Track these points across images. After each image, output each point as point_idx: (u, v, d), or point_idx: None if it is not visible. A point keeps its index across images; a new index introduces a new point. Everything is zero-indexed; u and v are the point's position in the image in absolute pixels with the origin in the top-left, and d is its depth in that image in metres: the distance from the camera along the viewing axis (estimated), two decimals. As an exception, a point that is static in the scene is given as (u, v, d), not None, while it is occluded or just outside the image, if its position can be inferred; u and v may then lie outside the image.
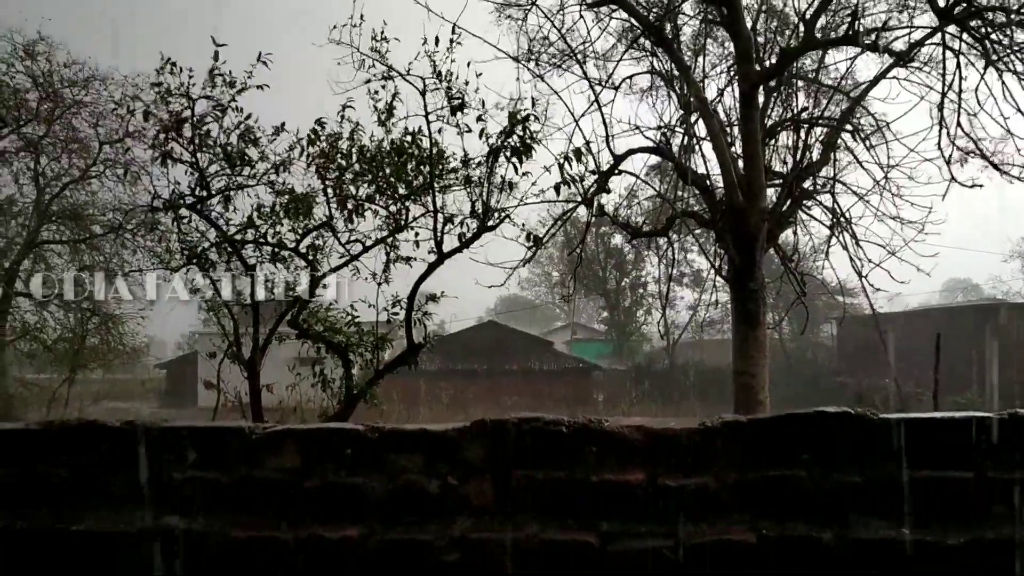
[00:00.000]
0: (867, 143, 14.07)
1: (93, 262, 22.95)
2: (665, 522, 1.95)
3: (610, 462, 2.04)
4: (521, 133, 8.98)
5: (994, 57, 11.17)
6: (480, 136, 9.25)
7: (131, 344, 23.51)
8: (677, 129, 14.95)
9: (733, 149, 13.78)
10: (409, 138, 9.55)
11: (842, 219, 14.48)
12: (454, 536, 1.98)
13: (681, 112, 14.83)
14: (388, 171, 9.76)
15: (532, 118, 9.04)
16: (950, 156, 11.96)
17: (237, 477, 2.14)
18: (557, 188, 9.74)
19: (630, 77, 14.94)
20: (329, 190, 9.93)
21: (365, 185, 9.99)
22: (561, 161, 10.43)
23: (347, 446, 2.14)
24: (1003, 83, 11.29)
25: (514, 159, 9.19)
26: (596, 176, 12.51)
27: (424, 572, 1.96)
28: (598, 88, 13.60)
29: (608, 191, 13.54)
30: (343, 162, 9.81)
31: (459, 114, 9.00)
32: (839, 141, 14.35)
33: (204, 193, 9.99)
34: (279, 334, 10.71)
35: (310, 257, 10.26)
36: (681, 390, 33.77)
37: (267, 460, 2.15)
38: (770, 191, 14.02)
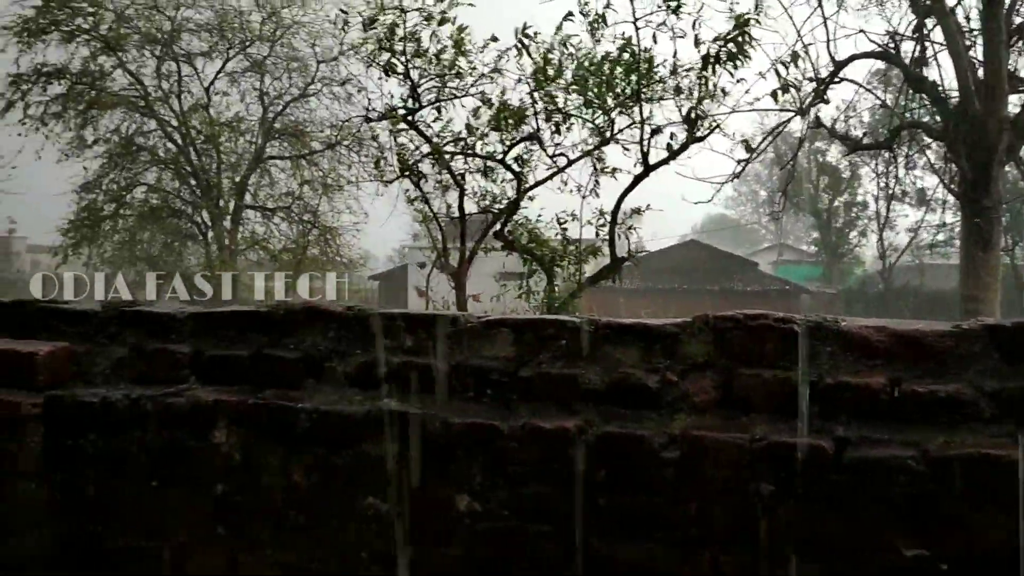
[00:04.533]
0: None
1: (312, 177, 24.24)
2: (910, 431, 1.76)
3: (847, 364, 1.87)
4: (740, 38, 8.54)
5: None
6: (695, 44, 8.88)
7: (348, 256, 24.77)
8: (907, 36, 13.76)
9: (971, 53, 12.53)
10: (619, 46, 9.32)
11: (1100, 131, 12.92)
12: (674, 433, 1.88)
13: (914, 17, 13.62)
14: (597, 82, 9.59)
15: (753, 21, 8.57)
16: None
17: (451, 364, 2.13)
18: (775, 94, 9.23)
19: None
20: (538, 102, 9.91)
21: (573, 96, 9.89)
22: (777, 66, 9.86)
23: (562, 337, 2.07)
24: None
25: (729, 65, 8.77)
26: (814, 84, 11.77)
27: (641, 467, 1.89)
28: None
29: (826, 101, 12.72)
30: (552, 73, 9.74)
31: (673, 17, 8.66)
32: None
33: (416, 105, 10.25)
34: (485, 245, 10.94)
35: (516, 169, 10.34)
36: (897, 316, 31.91)
37: (481, 348, 2.13)
38: (1013, 99, 12.68)
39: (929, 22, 12.99)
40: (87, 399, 2.29)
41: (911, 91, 13.38)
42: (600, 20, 9.24)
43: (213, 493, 2.22)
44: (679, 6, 8.62)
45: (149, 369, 2.38)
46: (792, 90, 10.50)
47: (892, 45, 13.13)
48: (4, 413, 2.29)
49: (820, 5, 11.57)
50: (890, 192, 15.98)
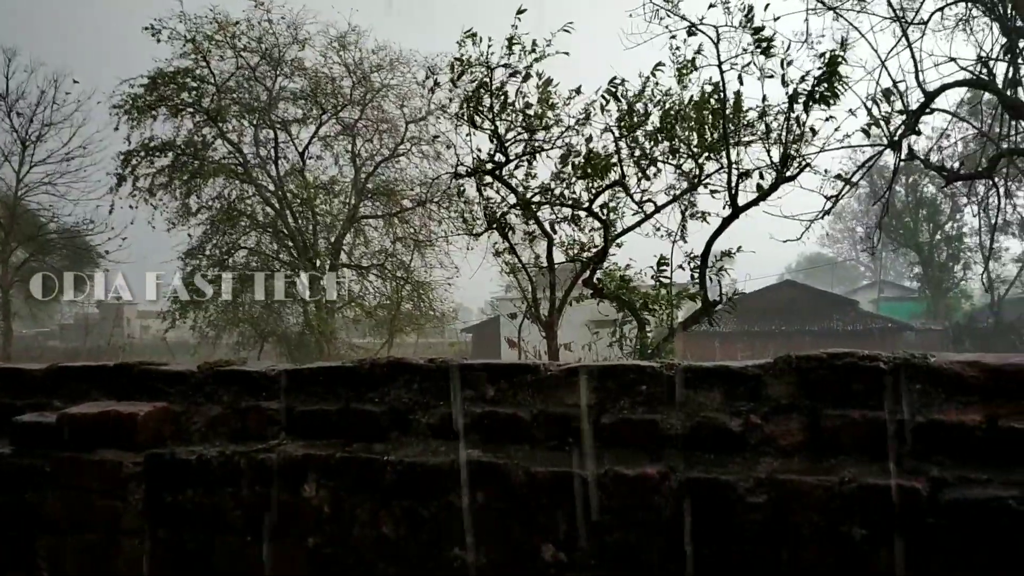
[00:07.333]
0: None
1: (404, 234, 24.74)
2: (1013, 470, 1.69)
3: (939, 401, 1.80)
4: (831, 79, 8.42)
5: None
6: (782, 83, 8.80)
7: (440, 310, 25.09)
8: (1000, 60, 13.36)
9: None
10: (707, 90, 9.29)
11: None
12: (760, 477, 1.84)
13: (1005, 40, 13.23)
14: (685, 127, 9.58)
15: (841, 60, 8.44)
16: None
17: (533, 413, 2.14)
18: (866, 131, 9.02)
19: (941, 9, 13.62)
20: (624, 150, 9.94)
21: (660, 143, 9.88)
22: (867, 103, 9.67)
23: (642, 382, 2.06)
24: None
25: (820, 105, 8.65)
26: (904, 116, 11.47)
27: (727, 513, 1.85)
28: (904, 23, 12.47)
29: (918, 132, 12.38)
30: (638, 121, 9.76)
31: (762, 57, 8.61)
32: None
33: (503, 159, 10.39)
34: (575, 294, 10.94)
35: (604, 216, 10.35)
36: (1010, 351, 30.47)
37: (563, 396, 2.14)
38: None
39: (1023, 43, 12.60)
40: (184, 457, 2.38)
41: (1008, 118, 12.93)
42: (690, 66, 9.25)
43: (305, 546, 2.26)
44: (769, 47, 8.55)
45: (243, 426, 2.46)
46: (883, 124, 10.27)
47: (984, 72, 12.73)
48: (108, 472, 2.39)
49: (905, 34, 11.31)
50: (993, 223, 15.44)
